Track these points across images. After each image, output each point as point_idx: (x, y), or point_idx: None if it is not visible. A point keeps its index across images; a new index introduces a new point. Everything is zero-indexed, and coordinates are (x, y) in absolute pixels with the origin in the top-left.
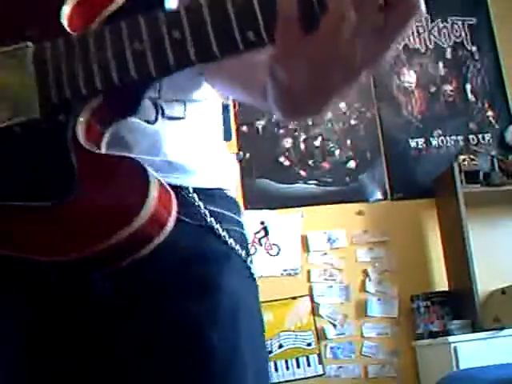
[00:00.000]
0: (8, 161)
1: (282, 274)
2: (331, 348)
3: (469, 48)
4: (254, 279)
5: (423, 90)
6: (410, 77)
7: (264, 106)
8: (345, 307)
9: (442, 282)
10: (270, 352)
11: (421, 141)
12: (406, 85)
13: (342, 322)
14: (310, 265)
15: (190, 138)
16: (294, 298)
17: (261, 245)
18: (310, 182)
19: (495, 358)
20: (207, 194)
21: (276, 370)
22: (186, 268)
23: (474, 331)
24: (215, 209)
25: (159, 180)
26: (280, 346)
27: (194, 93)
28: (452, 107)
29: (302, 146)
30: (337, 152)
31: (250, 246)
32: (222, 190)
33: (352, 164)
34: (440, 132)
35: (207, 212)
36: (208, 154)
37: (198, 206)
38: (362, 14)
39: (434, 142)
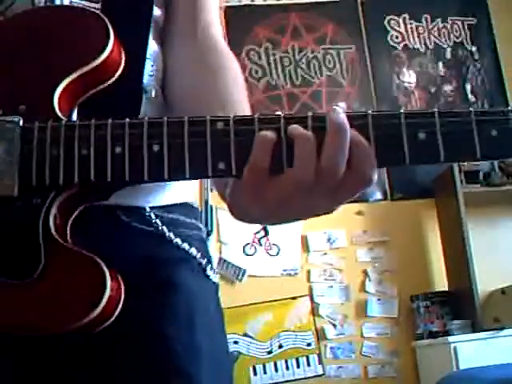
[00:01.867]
0: None
1: (281, 274)
2: (331, 348)
3: (469, 48)
4: (211, 280)
5: (423, 90)
6: (409, 77)
7: (219, 192)
8: (345, 307)
9: (441, 282)
10: (270, 352)
11: None
12: (406, 85)
13: (342, 322)
14: (310, 265)
15: None
16: (294, 298)
17: (261, 245)
18: None
19: (495, 358)
20: (160, 207)
21: (276, 370)
22: (142, 270)
23: (473, 331)
24: (167, 215)
25: (113, 273)
26: (280, 346)
27: None
28: (452, 107)
29: None
30: None
31: (249, 246)
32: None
33: None
34: None
35: (158, 220)
36: None
37: (149, 215)
38: (320, 181)
39: None
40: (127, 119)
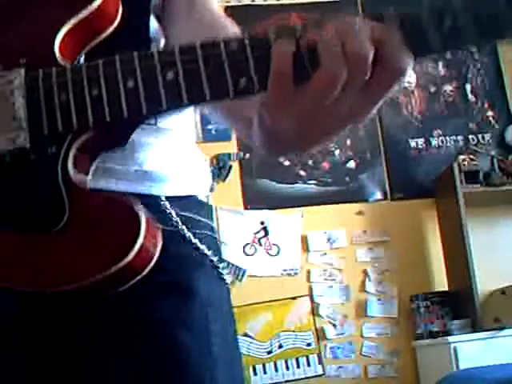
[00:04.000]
0: (4, 190)
1: (281, 274)
2: (331, 348)
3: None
4: (226, 283)
5: (423, 90)
6: (409, 77)
7: (246, 139)
8: (345, 307)
9: (441, 282)
10: (270, 352)
11: (421, 141)
12: (406, 85)
13: (342, 322)
14: (310, 265)
15: (163, 146)
16: (294, 298)
17: (261, 245)
18: (310, 181)
19: (495, 358)
20: (179, 201)
21: (276, 370)
22: (158, 272)
23: (474, 331)
24: (186, 214)
25: (148, 216)
26: (280, 346)
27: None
28: (452, 107)
29: None
30: (337, 152)
31: (249, 246)
32: (194, 196)
33: (352, 164)
34: (440, 132)
35: (178, 219)
36: (181, 160)
37: (170, 213)
38: (352, 73)
39: (434, 142)
40: (135, 52)
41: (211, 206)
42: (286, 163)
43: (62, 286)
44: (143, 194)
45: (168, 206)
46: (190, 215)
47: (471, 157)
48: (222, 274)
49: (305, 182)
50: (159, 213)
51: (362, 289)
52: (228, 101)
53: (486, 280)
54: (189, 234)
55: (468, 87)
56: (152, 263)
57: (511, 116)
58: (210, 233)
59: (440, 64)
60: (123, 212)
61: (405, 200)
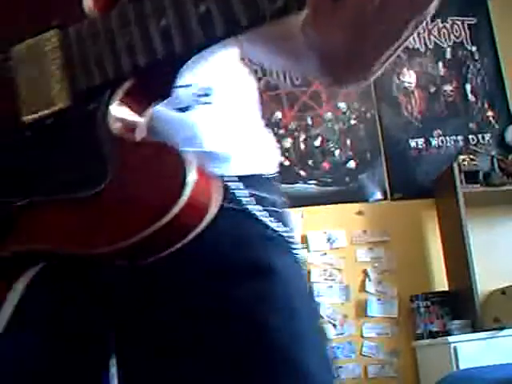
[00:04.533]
0: (41, 155)
1: None
2: (331, 348)
3: (469, 48)
4: (301, 260)
5: (423, 90)
6: (409, 77)
7: (297, 72)
8: (345, 307)
9: (441, 282)
10: None
11: (421, 141)
12: (406, 85)
13: (342, 322)
14: (310, 265)
15: (224, 125)
16: None
17: None
18: (310, 182)
19: (495, 358)
20: (246, 180)
21: None
22: (233, 253)
23: (474, 331)
24: (255, 192)
25: (198, 165)
26: None
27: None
28: (452, 107)
29: (302, 146)
30: (337, 152)
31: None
32: (260, 174)
33: (352, 164)
34: (440, 132)
35: (248, 197)
36: (244, 138)
37: (238, 190)
38: None
39: (434, 142)
40: None
41: (278, 179)
42: (286, 163)
43: (108, 245)
44: None
45: (236, 184)
46: (259, 193)
47: (471, 157)
48: (295, 249)
49: (305, 182)
50: (227, 192)
51: (362, 289)
52: (267, 30)
53: (485, 280)
54: (259, 211)
55: (468, 87)
56: (206, 218)
57: (511, 116)
58: (280, 209)
59: (440, 64)
60: (169, 160)
61: (405, 200)
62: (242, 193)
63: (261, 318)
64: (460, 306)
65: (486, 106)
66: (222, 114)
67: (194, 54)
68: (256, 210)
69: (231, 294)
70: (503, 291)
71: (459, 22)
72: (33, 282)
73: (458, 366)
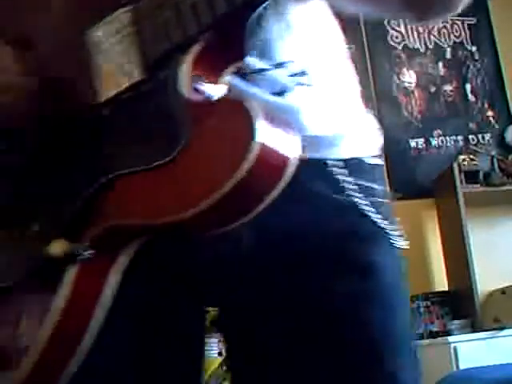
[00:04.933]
0: (119, 130)
1: None
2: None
3: (469, 48)
4: (400, 255)
5: (423, 90)
6: (409, 77)
7: (387, 10)
8: None
9: (441, 282)
10: None
11: (421, 141)
12: (406, 85)
13: None
14: None
15: (325, 106)
16: None
17: None
18: None
19: (495, 358)
20: (351, 167)
21: None
22: (336, 246)
23: (473, 331)
24: (360, 182)
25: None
26: None
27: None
28: (452, 107)
29: None
30: None
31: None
32: (365, 160)
33: None
34: (440, 132)
35: (352, 187)
36: (347, 119)
37: (343, 180)
38: None
39: (434, 142)
40: None
41: (382, 165)
42: None
43: (191, 207)
44: (308, 160)
45: (340, 174)
46: (364, 182)
47: (471, 157)
48: (396, 243)
49: None
50: (331, 181)
51: None
52: None
53: (485, 280)
54: (364, 203)
55: (468, 87)
56: (279, 183)
57: (511, 116)
58: (384, 200)
59: (440, 64)
60: (238, 116)
61: (405, 200)
62: (347, 181)
63: (364, 316)
64: (460, 306)
65: (486, 106)
66: (322, 94)
67: (257, 4)
68: (361, 202)
69: (335, 289)
70: (503, 291)
71: (459, 22)
72: (126, 273)
73: (457, 366)
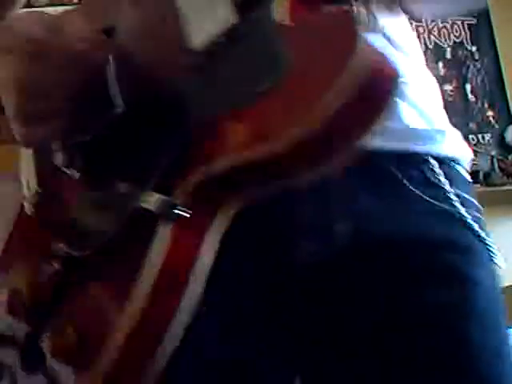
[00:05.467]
0: (217, 72)
1: None
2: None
3: (469, 48)
4: (496, 272)
5: None
6: None
7: None
8: None
9: None
10: None
11: None
12: None
13: None
14: None
15: (422, 103)
16: None
17: None
18: None
19: None
20: (451, 176)
21: None
22: (432, 255)
23: None
24: (460, 192)
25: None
26: None
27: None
28: (452, 107)
29: None
30: None
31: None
32: (461, 172)
33: None
34: None
35: (454, 195)
36: (441, 119)
37: (444, 187)
38: None
39: None
40: None
41: (472, 184)
42: None
43: (302, 126)
44: (405, 155)
45: (442, 179)
46: (462, 193)
47: (471, 157)
48: (494, 259)
49: None
50: (434, 187)
51: None
52: None
53: None
54: (465, 214)
55: (468, 87)
56: (386, 99)
57: (511, 116)
58: (478, 213)
59: (440, 64)
60: (339, 31)
61: None
62: (450, 191)
63: (461, 330)
64: None
65: (486, 106)
66: (418, 92)
67: None
68: (460, 211)
69: (427, 300)
70: (503, 291)
71: (459, 22)
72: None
73: None
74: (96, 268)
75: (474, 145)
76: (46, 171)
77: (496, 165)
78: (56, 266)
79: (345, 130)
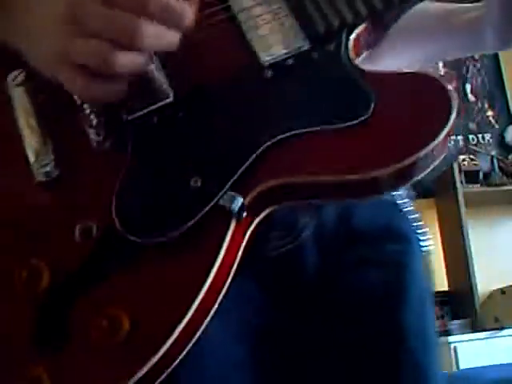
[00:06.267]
0: (286, 93)
1: None
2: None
3: None
4: (427, 257)
5: None
6: None
7: (474, 42)
8: None
9: (441, 282)
10: None
11: None
12: None
13: None
14: None
15: None
16: None
17: None
18: None
19: (495, 358)
20: None
21: None
22: (380, 244)
23: (473, 331)
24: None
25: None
26: None
27: None
28: None
29: None
30: None
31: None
32: None
33: None
34: None
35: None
36: None
37: None
38: None
39: None
40: None
41: None
42: None
43: (369, 170)
44: None
45: None
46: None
47: (471, 157)
48: (425, 245)
49: None
50: None
51: None
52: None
53: (486, 280)
54: (406, 206)
55: (468, 87)
56: (443, 155)
57: (511, 116)
58: (412, 202)
59: (440, 64)
60: (434, 89)
61: None
62: None
63: (395, 313)
64: (460, 305)
65: (486, 105)
66: None
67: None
68: (402, 204)
69: (375, 282)
70: (503, 291)
71: None
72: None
73: (458, 366)
74: (160, 254)
75: (474, 145)
76: (68, 146)
77: (496, 165)
78: (86, 244)
79: (408, 177)
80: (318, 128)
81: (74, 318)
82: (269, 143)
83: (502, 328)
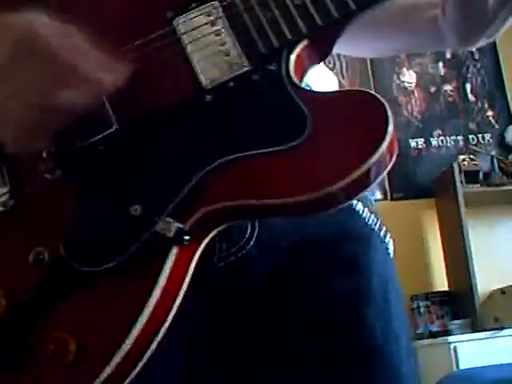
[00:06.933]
0: (227, 117)
1: None
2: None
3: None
4: (390, 254)
5: (423, 90)
6: (409, 77)
7: (431, 40)
8: None
9: (441, 282)
10: None
11: (421, 141)
12: (406, 85)
13: None
14: None
15: None
16: None
17: None
18: None
19: (495, 357)
20: None
21: None
22: (335, 246)
23: (473, 331)
24: None
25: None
26: None
27: None
28: (452, 107)
29: None
30: None
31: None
32: None
33: None
34: (440, 132)
35: None
36: None
37: None
38: None
39: (434, 142)
40: None
41: None
42: None
43: (308, 192)
44: None
45: None
46: None
47: (471, 157)
48: (388, 248)
49: None
50: None
51: None
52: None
53: (486, 280)
54: (361, 207)
55: (468, 87)
56: (393, 160)
57: (511, 116)
58: (373, 208)
59: (440, 64)
60: (370, 105)
61: (405, 200)
62: None
63: (359, 313)
64: (460, 305)
65: (486, 106)
66: None
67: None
68: (357, 205)
69: (331, 288)
70: (503, 291)
71: None
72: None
73: (457, 366)
74: (103, 281)
75: (474, 145)
76: (21, 177)
77: (496, 165)
78: (38, 272)
79: (351, 195)
80: (255, 152)
81: (29, 342)
82: (208, 168)
83: (502, 328)
